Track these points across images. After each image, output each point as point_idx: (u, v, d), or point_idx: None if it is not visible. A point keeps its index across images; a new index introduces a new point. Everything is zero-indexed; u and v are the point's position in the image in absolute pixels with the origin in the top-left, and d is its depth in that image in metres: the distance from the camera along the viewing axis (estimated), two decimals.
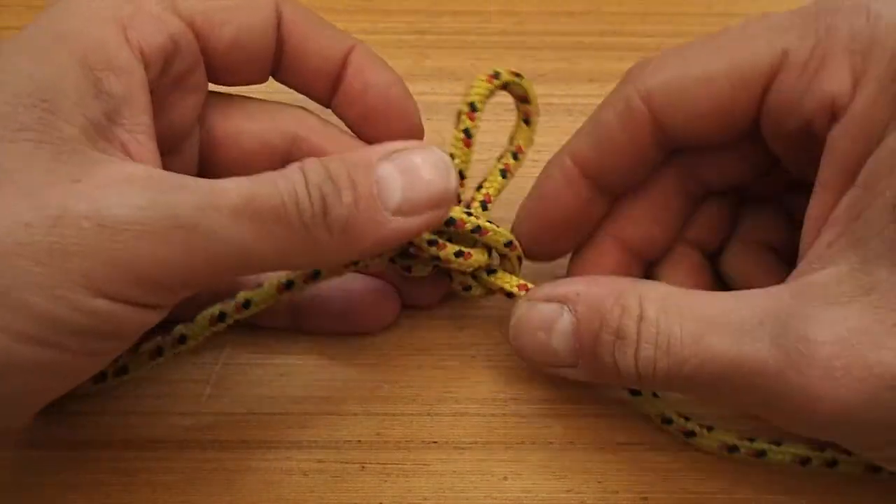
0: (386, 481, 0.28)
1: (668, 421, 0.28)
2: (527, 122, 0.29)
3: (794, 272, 0.25)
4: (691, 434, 0.27)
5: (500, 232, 0.28)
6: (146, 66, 0.24)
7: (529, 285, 0.28)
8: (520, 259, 0.29)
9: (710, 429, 0.27)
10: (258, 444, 0.28)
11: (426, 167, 0.25)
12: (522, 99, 0.28)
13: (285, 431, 0.29)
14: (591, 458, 0.28)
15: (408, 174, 0.25)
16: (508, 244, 0.28)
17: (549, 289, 0.27)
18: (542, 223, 0.28)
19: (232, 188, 0.22)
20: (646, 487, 0.28)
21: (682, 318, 0.24)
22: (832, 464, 0.27)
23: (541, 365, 0.27)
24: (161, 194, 0.22)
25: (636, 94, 0.26)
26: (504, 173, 0.29)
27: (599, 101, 0.35)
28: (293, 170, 0.23)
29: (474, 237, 0.27)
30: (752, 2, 0.38)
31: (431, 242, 0.27)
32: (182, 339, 0.28)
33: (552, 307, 0.26)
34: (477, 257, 0.28)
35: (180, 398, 0.29)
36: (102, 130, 0.23)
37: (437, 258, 0.27)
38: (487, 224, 0.27)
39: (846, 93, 0.24)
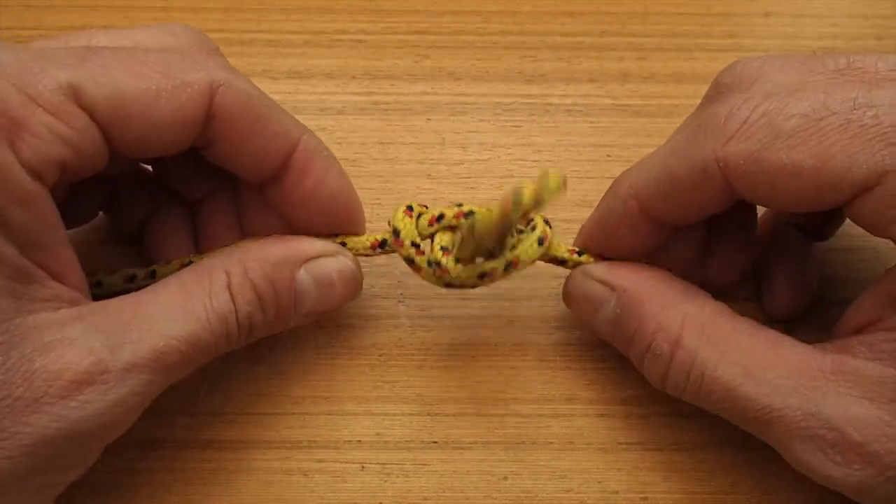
0: (386, 481, 0.28)
1: (564, 261, 0.28)
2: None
3: (840, 339, 0.25)
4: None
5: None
6: (42, 179, 0.22)
7: (577, 250, 0.28)
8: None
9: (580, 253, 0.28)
10: (258, 443, 0.28)
11: (340, 282, 0.27)
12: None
13: (285, 431, 0.29)
14: (591, 458, 0.28)
15: (323, 289, 0.27)
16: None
17: (604, 271, 0.27)
18: (601, 250, 0.28)
19: (174, 342, 0.23)
20: (646, 487, 0.28)
21: (721, 359, 0.24)
22: None
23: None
24: (107, 392, 0.22)
25: (713, 160, 0.23)
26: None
27: (599, 100, 0.35)
28: (224, 298, 0.25)
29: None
30: (752, 2, 0.38)
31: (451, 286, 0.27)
32: (153, 274, 0.28)
33: (603, 290, 0.27)
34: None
35: (180, 398, 0.29)
36: (23, 274, 0.22)
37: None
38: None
39: None
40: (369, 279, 0.31)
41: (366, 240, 0.28)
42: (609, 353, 0.30)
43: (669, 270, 0.27)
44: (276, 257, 0.26)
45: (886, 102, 0.22)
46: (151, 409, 0.28)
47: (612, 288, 0.27)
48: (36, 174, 0.22)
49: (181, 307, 0.24)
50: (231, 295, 0.25)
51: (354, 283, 0.28)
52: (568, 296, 0.29)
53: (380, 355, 0.30)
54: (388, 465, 0.28)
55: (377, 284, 0.31)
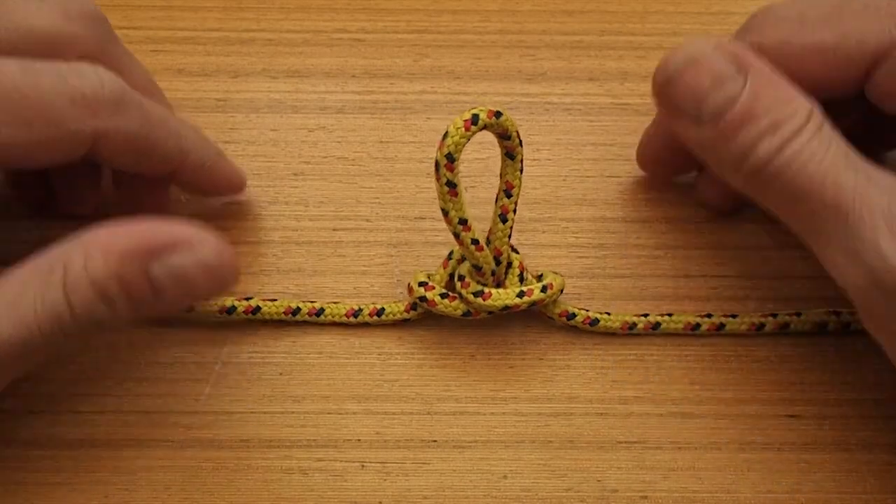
0: (386, 480, 0.28)
1: (573, 315, 0.29)
2: (510, 156, 0.27)
3: None
4: (595, 321, 0.29)
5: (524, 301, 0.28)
6: None
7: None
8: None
9: (608, 314, 0.30)
10: (258, 443, 0.28)
11: (202, 276, 0.24)
12: (502, 136, 0.27)
13: (285, 431, 0.29)
14: (591, 457, 0.28)
15: (181, 283, 0.24)
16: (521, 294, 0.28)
17: (738, 49, 0.26)
18: (658, 148, 0.30)
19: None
20: (645, 486, 0.28)
21: (830, 145, 0.25)
22: (720, 327, 0.30)
23: (673, 106, 0.27)
24: None
25: (750, 47, 0.26)
26: (503, 217, 0.28)
27: (599, 99, 0.35)
28: (56, 298, 0.23)
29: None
30: (752, 0, 0.38)
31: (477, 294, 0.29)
32: (189, 308, 0.29)
33: (731, 67, 0.25)
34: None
35: (180, 398, 0.29)
36: None
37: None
38: (513, 300, 0.28)
39: None
40: (368, 278, 0.31)
41: (400, 305, 0.30)
42: (609, 353, 0.30)
43: None
44: (124, 248, 0.23)
45: None
46: (152, 409, 0.29)
47: (746, 68, 0.25)
48: None
49: (14, 305, 0.23)
50: (65, 293, 0.23)
51: (220, 275, 0.25)
52: (685, 68, 0.26)
53: (379, 354, 0.30)
54: (388, 464, 0.28)
55: (376, 284, 0.31)
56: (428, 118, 0.34)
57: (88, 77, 0.26)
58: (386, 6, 0.37)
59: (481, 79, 0.35)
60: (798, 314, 0.30)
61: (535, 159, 0.33)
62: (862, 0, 0.26)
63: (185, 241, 0.24)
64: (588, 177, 0.33)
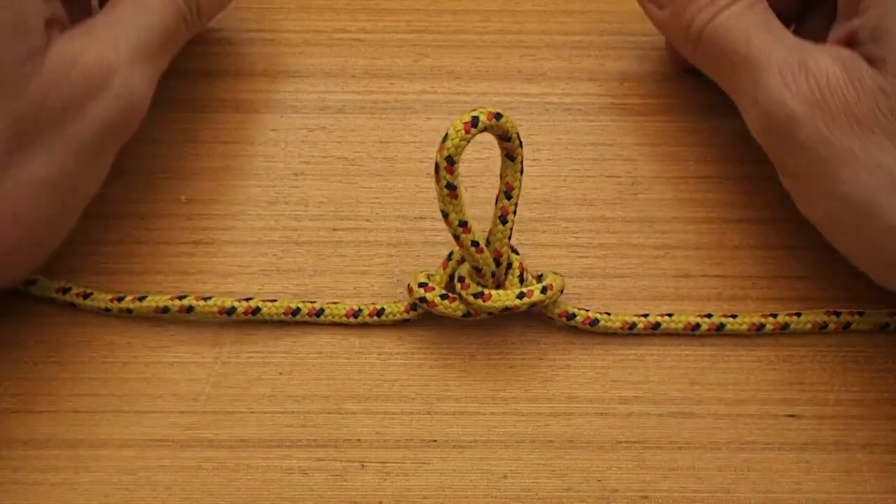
0: (386, 480, 0.28)
1: (572, 315, 0.29)
2: (510, 158, 0.27)
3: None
4: (595, 321, 0.29)
5: (522, 303, 0.28)
6: None
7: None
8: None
9: (608, 314, 0.30)
10: (258, 442, 0.28)
11: None
12: (503, 137, 0.26)
13: (285, 430, 0.29)
14: (591, 457, 0.28)
15: None
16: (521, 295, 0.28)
17: None
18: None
19: (148, 32, 0.28)
20: (645, 486, 0.28)
21: (755, 15, 0.29)
22: (720, 327, 0.30)
23: None
24: (129, 81, 0.27)
25: None
26: (503, 219, 0.28)
27: (599, 100, 0.35)
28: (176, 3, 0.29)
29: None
30: None
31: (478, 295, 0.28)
32: (189, 309, 0.29)
33: None
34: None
35: (180, 398, 0.29)
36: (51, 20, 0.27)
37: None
38: (513, 301, 0.28)
39: None
40: (368, 278, 0.31)
41: (400, 305, 0.30)
42: (609, 353, 0.30)
43: None
44: None
45: None
46: (151, 409, 0.29)
47: None
48: None
49: (141, 4, 0.29)
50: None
51: None
52: None
53: (379, 354, 0.30)
54: (388, 464, 0.28)
55: (377, 284, 0.31)
56: (428, 118, 0.34)
57: None
58: (386, 6, 0.37)
59: (481, 79, 0.35)
60: (798, 314, 0.30)
61: (535, 159, 0.33)
62: None
63: None
64: (588, 177, 0.33)
